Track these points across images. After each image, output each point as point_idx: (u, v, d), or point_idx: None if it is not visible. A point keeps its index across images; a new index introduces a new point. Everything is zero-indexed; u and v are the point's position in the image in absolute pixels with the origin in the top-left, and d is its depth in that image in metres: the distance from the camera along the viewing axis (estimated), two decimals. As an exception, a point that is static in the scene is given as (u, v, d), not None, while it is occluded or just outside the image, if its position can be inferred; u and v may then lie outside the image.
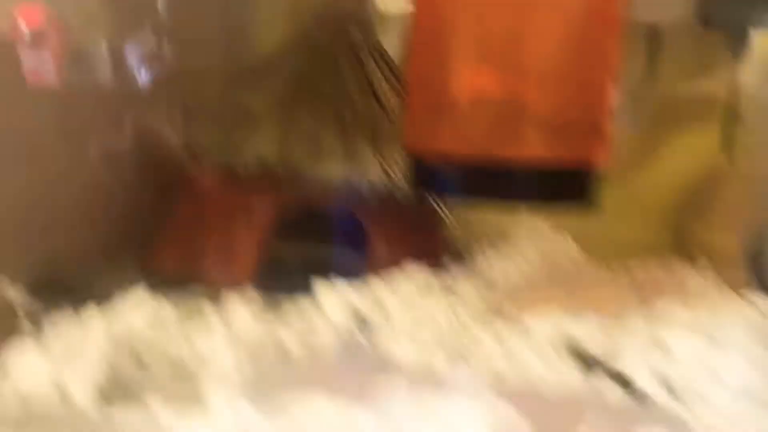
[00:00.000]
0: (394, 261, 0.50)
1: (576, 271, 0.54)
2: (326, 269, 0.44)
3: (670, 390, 0.33)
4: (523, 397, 0.31)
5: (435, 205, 0.52)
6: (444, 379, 0.27)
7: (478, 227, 0.61)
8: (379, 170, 0.47)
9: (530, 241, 0.59)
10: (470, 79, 0.34)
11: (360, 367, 0.34)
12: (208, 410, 0.24)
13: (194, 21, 0.59)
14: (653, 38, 0.62)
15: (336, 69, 0.49)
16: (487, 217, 0.62)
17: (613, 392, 0.33)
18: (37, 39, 0.49)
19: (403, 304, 0.42)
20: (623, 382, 0.34)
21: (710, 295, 0.41)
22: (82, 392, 0.28)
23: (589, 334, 0.37)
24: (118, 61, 0.53)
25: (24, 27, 0.47)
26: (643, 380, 0.33)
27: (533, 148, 0.34)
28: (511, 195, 0.37)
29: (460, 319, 0.40)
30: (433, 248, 0.54)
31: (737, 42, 0.56)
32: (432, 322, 0.40)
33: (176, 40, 0.58)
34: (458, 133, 0.34)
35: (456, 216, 0.61)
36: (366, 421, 0.22)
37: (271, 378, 0.29)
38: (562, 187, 0.36)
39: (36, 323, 0.33)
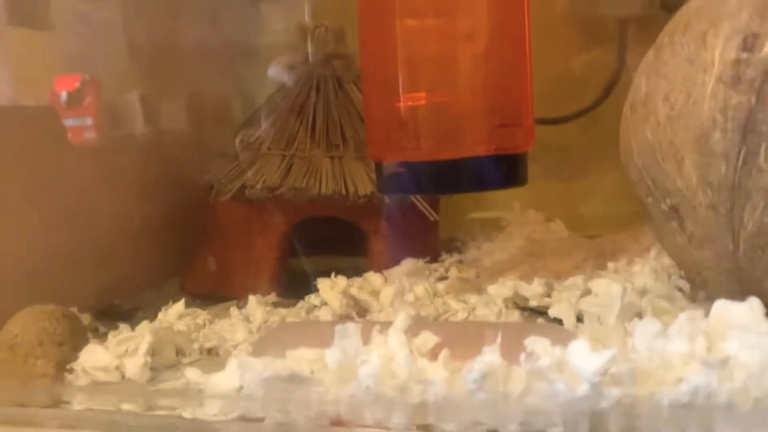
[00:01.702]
0: (392, 259, 0.59)
1: (558, 247, 0.61)
2: (333, 272, 0.53)
3: (579, 318, 0.40)
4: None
5: (425, 209, 0.60)
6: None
7: (474, 227, 0.69)
8: (369, 182, 0.54)
9: (522, 229, 0.67)
10: (409, 97, 0.42)
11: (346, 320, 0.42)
12: (224, 368, 0.33)
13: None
14: (622, 29, 0.69)
15: (325, 100, 0.57)
16: (483, 217, 0.70)
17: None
18: (74, 100, 0.58)
19: (396, 291, 0.50)
20: (545, 315, 0.42)
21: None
22: (133, 369, 0.37)
23: (535, 292, 0.44)
24: (149, 112, 0.62)
25: (61, 91, 0.56)
26: (560, 313, 0.41)
27: (471, 146, 0.42)
28: (460, 187, 0.45)
29: (439, 295, 0.49)
30: (429, 246, 0.62)
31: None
32: (417, 301, 0.48)
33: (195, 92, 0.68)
34: (408, 141, 0.42)
35: (453, 221, 0.69)
36: (331, 354, 0.30)
37: (273, 341, 0.38)
38: (500, 173, 0.43)
39: (100, 338, 0.42)
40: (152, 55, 0.64)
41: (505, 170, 0.43)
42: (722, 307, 0.29)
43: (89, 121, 0.63)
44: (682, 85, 0.29)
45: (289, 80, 0.60)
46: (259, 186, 0.57)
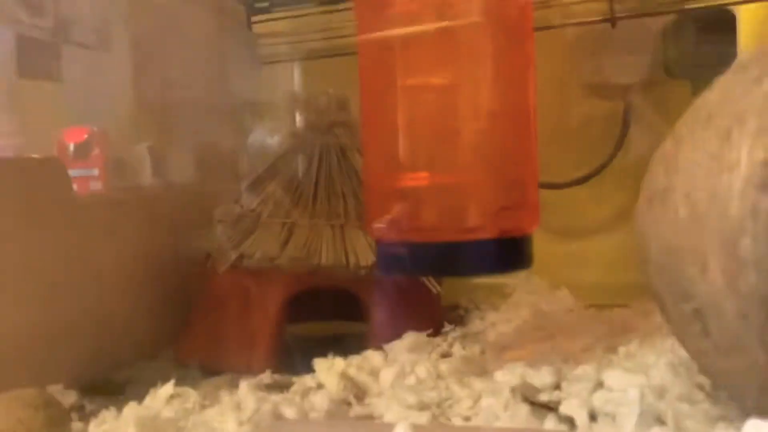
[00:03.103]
0: (394, 333, 0.55)
1: (565, 321, 0.58)
2: (332, 347, 0.50)
3: (592, 416, 0.36)
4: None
5: (428, 282, 0.57)
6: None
7: (478, 295, 0.66)
8: (371, 251, 0.51)
9: (528, 298, 0.63)
10: (410, 175, 0.40)
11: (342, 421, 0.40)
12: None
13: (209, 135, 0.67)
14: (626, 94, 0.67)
15: (328, 168, 0.55)
16: (487, 283, 0.67)
17: (547, 422, 0.37)
18: (81, 152, 0.56)
19: (396, 372, 0.47)
20: (555, 411, 0.38)
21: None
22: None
23: (544, 382, 0.40)
24: (155, 167, 0.60)
25: (68, 143, 0.54)
26: (572, 411, 0.36)
27: (474, 228, 0.39)
28: (463, 271, 0.42)
29: (442, 376, 0.45)
30: (432, 317, 0.59)
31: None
32: (419, 384, 0.45)
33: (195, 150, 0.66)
34: (409, 221, 0.40)
35: (456, 287, 0.66)
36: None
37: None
38: (506, 255, 0.41)
39: (84, 421, 0.39)
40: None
41: (510, 253, 0.41)
42: (754, 429, 0.26)
43: (94, 173, 0.61)
44: (705, 183, 0.27)
45: (273, 144, 0.58)
46: (257, 255, 0.55)
